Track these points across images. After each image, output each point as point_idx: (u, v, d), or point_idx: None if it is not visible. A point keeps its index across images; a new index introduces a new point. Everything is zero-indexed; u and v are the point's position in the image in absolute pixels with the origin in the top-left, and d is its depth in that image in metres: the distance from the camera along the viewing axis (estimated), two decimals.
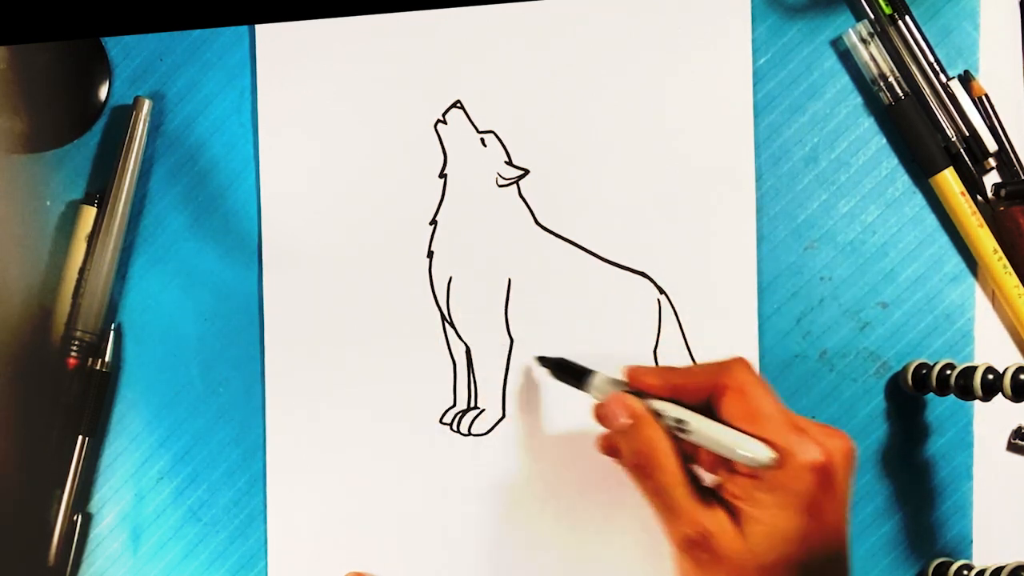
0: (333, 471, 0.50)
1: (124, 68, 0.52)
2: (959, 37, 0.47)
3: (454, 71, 0.50)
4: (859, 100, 0.48)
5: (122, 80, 0.52)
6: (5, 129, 0.51)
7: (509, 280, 0.49)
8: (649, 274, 0.48)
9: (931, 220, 0.48)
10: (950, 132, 0.47)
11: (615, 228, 0.49)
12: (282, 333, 0.50)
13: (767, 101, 0.48)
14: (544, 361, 0.47)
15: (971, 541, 0.47)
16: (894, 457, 0.47)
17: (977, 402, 0.47)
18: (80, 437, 0.50)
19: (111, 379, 0.51)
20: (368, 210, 0.50)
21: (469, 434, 0.49)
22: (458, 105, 0.50)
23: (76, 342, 0.50)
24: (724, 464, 0.39)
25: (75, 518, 0.50)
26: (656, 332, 0.48)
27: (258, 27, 0.51)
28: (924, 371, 0.46)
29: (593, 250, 0.49)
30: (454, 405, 0.49)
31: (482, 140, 0.50)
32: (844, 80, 0.48)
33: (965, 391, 0.43)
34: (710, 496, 0.38)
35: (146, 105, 0.50)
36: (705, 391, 0.39)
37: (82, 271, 0.51)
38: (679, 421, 0.39)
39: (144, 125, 0.51)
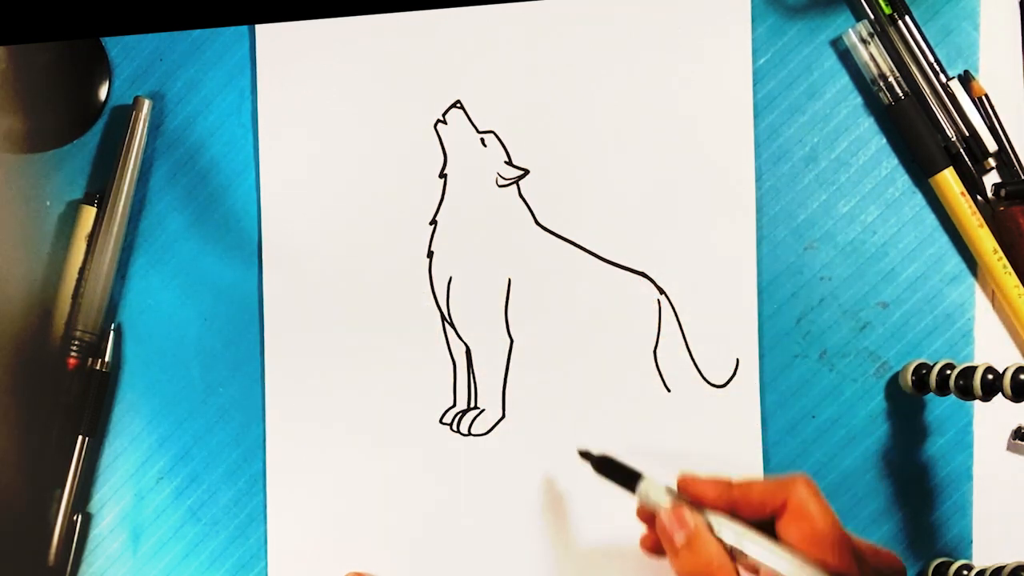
0: (333, 471, 0.50)
1: (124, 68, 0.52)
2: (959, 37, 0.47)
3: (454, 71, 0.50)
4: (859, 100, 0.48)
5: (122, 80, 0.52)
6: (5, 129, 0.51)
7: (509, 280, 0.49)
8: (649, 274, 0.48)
9: (931, 220, 0.48)
10: (950, 132, 0.47)
11: (615, 228, 0.49)
12: (282, 333, 0.50)
13: (767, 101, 0.48)
14: (587, 456, 0.44)
15: (971, 541, 0.47)
16: (894, 457, 0.47)
17: (977, 402, 0.47)
18: (80, 437, 0.50)
19: (111, 379, 0.51)
20: (368, 210, 0.50)
21: (469, 434, 0.49)
22: (458, 105, 0.50)
23: (76, 342, 0.50)
24: None
25: (75, 518, 0.50)
26: (656, 332, 0.48)
27: (258, 27, 0.51)
28: (924, 371, 0.46)
29: (593, 250, 0.49)
30: (454, 405, 0.49)
31: (482, 140, 0.50)
32: (844, 80, 0.48)
33: (965, 391, 0.43)
34: None
35: (146, 105, 0.50)
36: (764, 508, 0.38)
37: (82, 271, 0.51)
38: (738, 545, 0.38)
39: (144, 125, 0.51)
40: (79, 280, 0.51)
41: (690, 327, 0.48)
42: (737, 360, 0.48)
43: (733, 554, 0.38)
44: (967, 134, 0.46)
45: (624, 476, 0.42)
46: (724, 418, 0.48)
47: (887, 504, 0.47)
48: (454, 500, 0.49)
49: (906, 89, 0.47)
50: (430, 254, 0.50)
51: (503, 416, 0.49)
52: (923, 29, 0.47)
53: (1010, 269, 0.46)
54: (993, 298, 0.47)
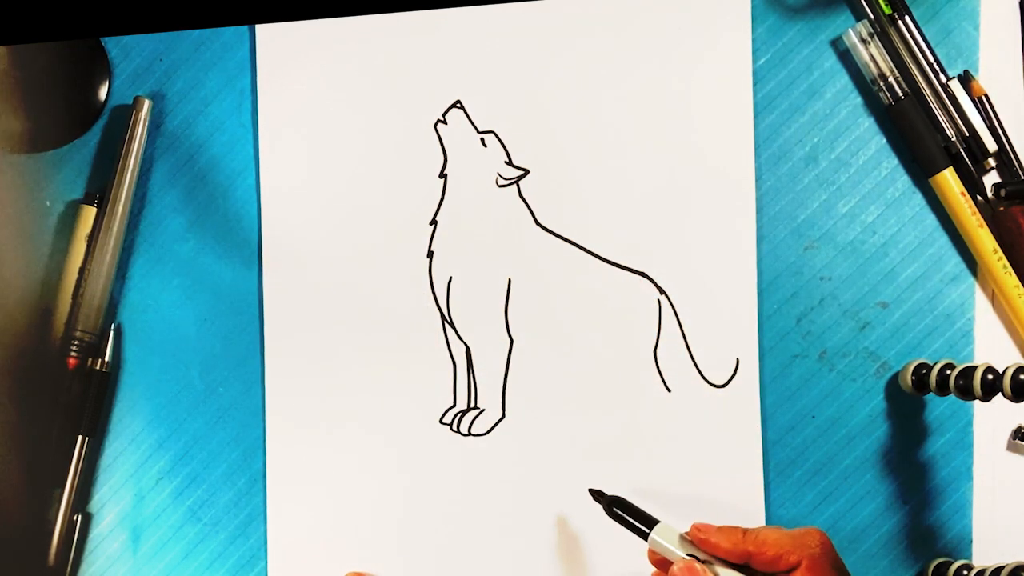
0: (333, 471, 0.50)
1: (124, 68, 0.52)
2: (959, 37, 0.47)
3: (454, 71, 0.50)
4: (859, 100, 0.48)
5: (122, 80, 0.52)
6: (5, 129, 0.51)
7: (509, 280, 0.49)
8: (649, 274, 0.48)
9: (931, 220, 0.48)
10: (950, 132, 0.47)
11: (615, 228, 0.49)
12: (282, 333, 0.50)
13: (767, 101, 0.48)
14: (599, 497, 0.44)
15: (971, 541, 0.47)
16: (894, 457, 0.47)
17: (977, 402, 0.47)
18: (80, 437, 0.50)
19: (111, 379, 0.51)
20: (368, 210, 0.50)
21: (469, 434, 0.49)
22: (458, 105, 0.50)
23: (76, 342, 0.50)
24: None
25: (75, 518, 0.50)
26: (656, 332, 0.48)
27: (258, 27, 0.51)
28: (924, 371, 0.46)
29: (593, 250, 0.49)
30: (454, 405, 0.49)
31: (482, 140, 0.50)
32: (844, 80, 0.48)
33: (965, 391, 0.43)
34: None
35: (146, 105, 0.50)
36: (778, 564, 0.38)
37: (82, 271, 0.51)
38: None
39: (144, 125, 0.51)
40: (79, 280, 0.51)
41: (690, 327, 0.48)
42: (737, 360, 0.48)
43: None
44: (967, 134, 0.46)
45: (639, 522, 0.42)
46: (724, 418, 0.48)
47: (887, 504, 0.47)
48: (454, 500, 0.49)
49: (906, 89, 0.47)
50: (430, 254, 0.50)
51: (503, 416, 0.49)
52: (923, 29, 0.47)
53: (1010, 269, 0.46)
54: (993, 298, 0.47)
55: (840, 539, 0.47)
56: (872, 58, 0.47)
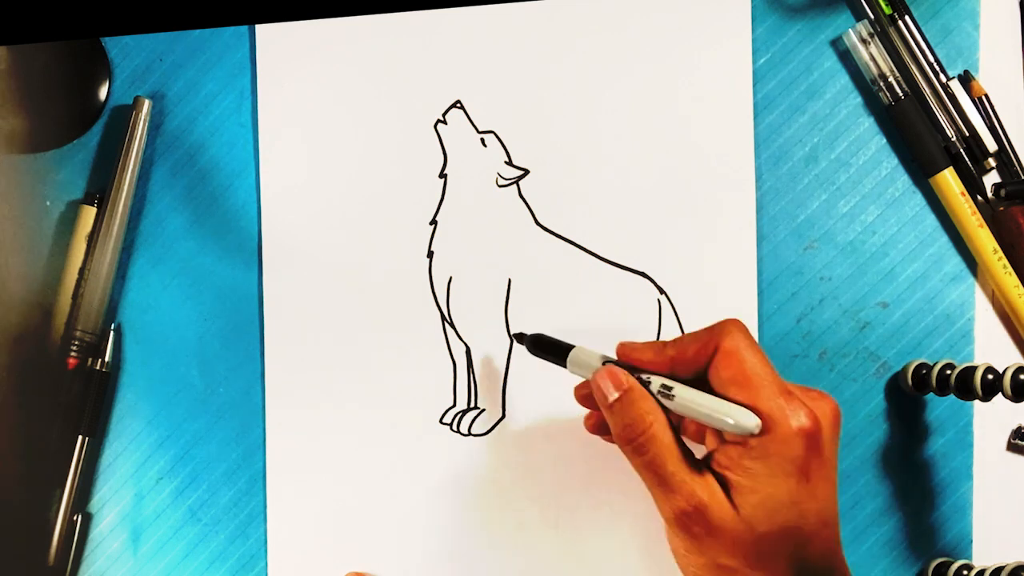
0: (333, 471, 0.50)
1: (124, 68, 0.52)
2: (959, 37, 0.47)
3: (454, 71, 0.50)
4: (859, 100, 0.48)
5: (122, 80, 0.52)
6: (5, 129, 0.51)
7: (509, 280, 0.49)
8: (649, 274, 0.48)
9: (931, 220, 0.48)
10: (950, 132, 0.47)
11: (615, 228, 0.49)
12: (282, 333, 0.50)
13: (767, 101, 0.48)
14: (520, 338, 0.46)
15: (971, 541, 0.47)
16: (894, 457, 0.47)
17: (977, 402, 0.47)
18: (80, 437, 0.50)
19: (111, 379, 0.51)
20: (368, 210, 0.50)
21: (469, 434, 0.49)
22: (458, 105, 0.50)
23: (76, 342, 0.50)
24: (713, 435, 0.39)
25: (75, 518, 0.50)
26: (656, 332, 0.48)
27: (258, 27, 0.51)
28: (924, 371, 0.46)
29: (593, 250, 0.49)
30: (454, 405, 0.49)
31: (482, 140, 0.50)
32: (844, 80, 0.48)
33: (965, 391, 0.43)
34: (702, 468, 0.37)
35: (146, 105, 0.50)
36: (700, 360, 0.38)
37: (82, 271, 0.51)
38: (665, 387, 0.38)
39: (144, 125, 0.51)
40: (79, 280, 0.51)
41: (690, 327, 0.48)
42: None
43: (667, 408, 0.38)
44: (967, 134, 0.46)
45: (559, 352, 0.43)
46: None
47: (887, 504, 0.47)
48: (454, 500, 0.49)
49: (906, 89, 0.47)
50: (430, 254, 0.50)
51: (503, 416, 0.49)
52: (923, 29, 0.47)
53: (1010, 269, 0.46)
54: (993, 298, 0.47)
55: (841, 539, 0.47)
56: (872, 58, 0.47)
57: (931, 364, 0.45)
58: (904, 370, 0.47)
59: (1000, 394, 0.41)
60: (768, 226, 0.48)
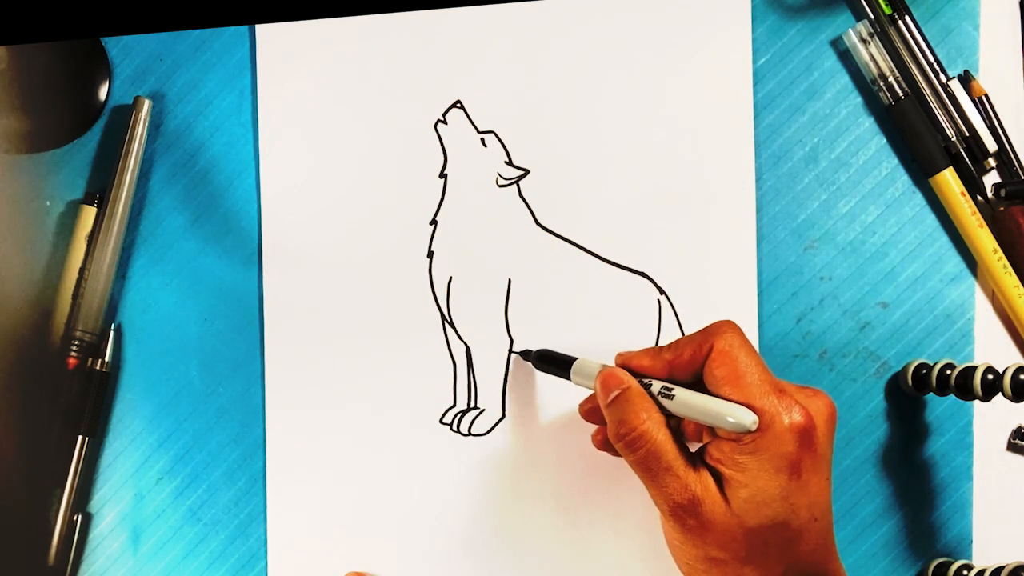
0: (333, 471, 0.50)
1: (124, 68, 0.52)
2: (959, 37, 0.47)
3: (454, 71, 0.50)
4: (859, 100, 0.48)
5: (122, 80, 0.52)
6: (5, 129, 0.51)
7: (509, 280, 0.49)
8: (649, 274, 0.48)
9: (931, 220, 0.48)
10: (950, 132, 0.47)
11: (615, 228, 0.49)
12: (282, 333, 0.50)
13: (767, 101, 0.48)
14: (527, 355, 0.48)
15: (971, 541, 0.47)
16: (894, 457, 0.47)
17: (977, 402, 0.47)
18: (80, 437, 0.50)
19: (111, 379, 0.51)
20: (368, 210, 0.50)
21: (469, 434, 0.49)
22: (458, 105, 0.50)
23: (76, 342, 0.50)
24: (708, 430, 0.39)
25: (75, 518, 0.50)
26: (656, 332, 0.48)
27: (258, 27, 0.51)
28: (924, 371, 0.46)
29: (593, 250, 0.49)
30: (454, 405, 0.49)
31: (482, 140, 0.50)
32: (844, 80, 0.48)
33: (965, 391, 0.43)
34: (697, 461, 0.38)
35: (146, 105, 0.50)
36: (696, 362, 0.39)
37: (82, 271, 0.51)
38: (666, 388, 0.39)
39: (144, 125, 0.51)
40: (79, 280, 0.51)
41: (690, 327, 0.48)
42: None
43: (668, 411, 0.39)
44: (967, 134, 0.46)
45: (561, 363, 0.44)
46: None
47: (887, 504, 0.47)
48: (453, 500, 0.49)
49: (906, 89, 0.47)
50: (430, 254, 0.50)
51: (503, 416, 0.49)
52: (923, 29, 0.47)
53: (1010, 269, 0.46)
54: (993, 298, 0.47)
55: (840, 539, 0.47)
56: (872, 58, 0.47)
57: (931, 364, 0.45)
58: (904, 370, 0.47)
59: (1000, 394, 0.41)
60: (768, 226, 0.48)
